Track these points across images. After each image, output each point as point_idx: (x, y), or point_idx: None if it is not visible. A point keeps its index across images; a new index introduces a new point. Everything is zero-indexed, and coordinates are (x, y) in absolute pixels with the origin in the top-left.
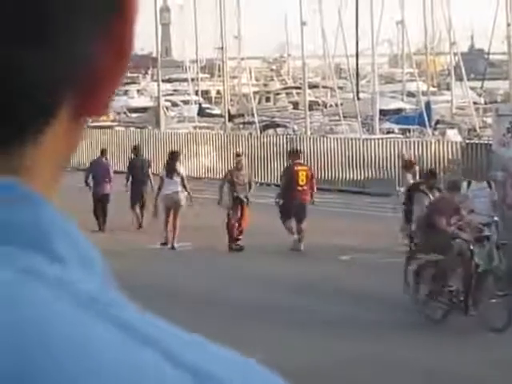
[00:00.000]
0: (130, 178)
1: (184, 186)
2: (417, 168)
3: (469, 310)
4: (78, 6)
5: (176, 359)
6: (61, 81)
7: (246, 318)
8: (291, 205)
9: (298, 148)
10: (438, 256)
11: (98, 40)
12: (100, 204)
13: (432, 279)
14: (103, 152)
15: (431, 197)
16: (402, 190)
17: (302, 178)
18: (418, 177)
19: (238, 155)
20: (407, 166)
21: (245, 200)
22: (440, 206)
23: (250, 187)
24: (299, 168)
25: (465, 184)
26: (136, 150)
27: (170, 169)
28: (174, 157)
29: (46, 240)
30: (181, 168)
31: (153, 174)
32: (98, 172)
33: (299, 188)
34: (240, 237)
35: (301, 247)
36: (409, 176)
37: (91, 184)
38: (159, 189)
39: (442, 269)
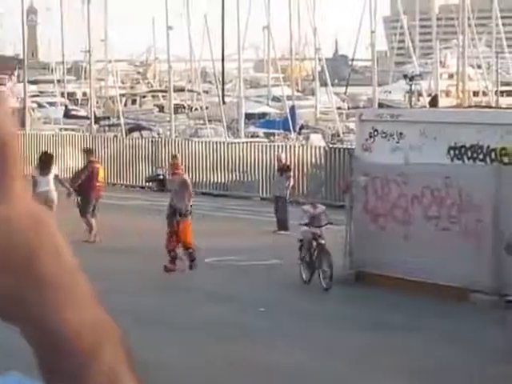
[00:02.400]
0: None
1: (61, 183)
2: (291, 173)
3: None
4: None
5: None
6: None
7: None
8: (91, 200)
9: (90, 147)
10: None
11: None
12: None
13: None
14: None
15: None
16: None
17: (101, 175)
18: (292, 181)
19: (172, 157)
20: (283, 169)
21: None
22: None
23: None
24: (96, 165)
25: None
26: None
27: (44, 168)
28: (47, 157)
29: None
30: (55, 167)
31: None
32: None
33: (98, 184)
34: (188, 251)
35: (91, 238)
36: (283, 179)
37: None
38: (33, 188)
39: None
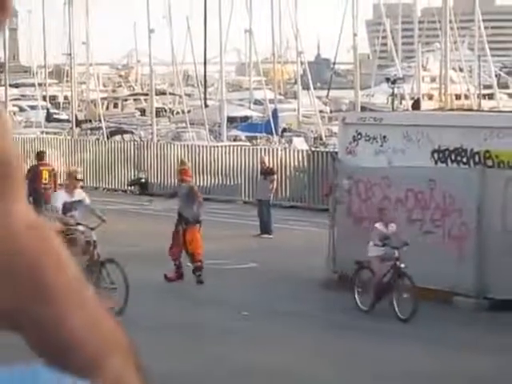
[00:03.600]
0: None
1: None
2: (275, 176)
3: None
4: None
5: None
6: None
7: None
8: (39, 202)
9: (43, 150)
10: None
11: None
12: None
13: None
14: None
15: None
16: None
17: (45, 177)
18: (275, 184)
19: (180, 163)
20: (266, 172)
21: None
22: None
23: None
24: (41, 168)
25: None
26: None
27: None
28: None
29: None
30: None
31: None
32: None
33: (43, 186)
34: (195, 264)
35: None
36: (266, 183)
37: None
38: None
39: None
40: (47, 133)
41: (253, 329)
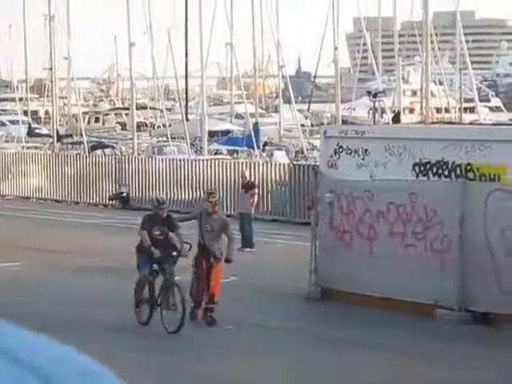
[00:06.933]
0: None
1: None
2: (256, 190)
3: None
4: None
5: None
6: None
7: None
8: None
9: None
10: None
11: None
12: None
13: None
14: None
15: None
16: None
17: None
18: (256, 198)
19: (210, 193)
20: (247, 186)
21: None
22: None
23: (229, 242)
24: None
25: None
26: None
27: None
28: None
29: None
30: None
31: None
32: None
33: None
34: (211, 305)
35: None
36: (247, 196)
37: None
38: None
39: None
40: (28, 147)
41: (233, 341)
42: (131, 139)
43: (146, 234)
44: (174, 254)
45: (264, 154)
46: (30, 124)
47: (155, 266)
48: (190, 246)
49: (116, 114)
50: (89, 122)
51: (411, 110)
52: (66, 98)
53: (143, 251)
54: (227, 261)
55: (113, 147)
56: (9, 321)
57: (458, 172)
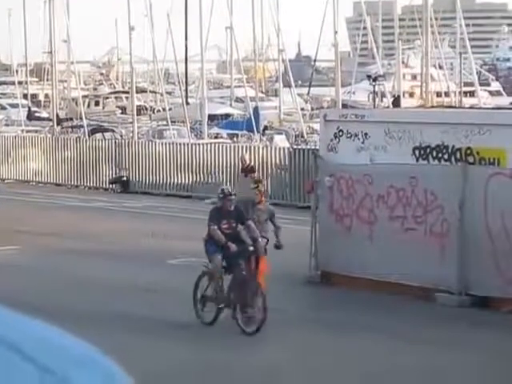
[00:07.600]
0: None
1: None
2: (255, 174)
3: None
4: None
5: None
6: None
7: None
8: None
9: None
10: None
11: None
12: None
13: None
14: None
15: None
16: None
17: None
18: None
19: (258, 181)
20: (247, 170)
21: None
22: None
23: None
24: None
25: None
26: None
27: None
28: None
29: None
30: None
31: None
32: None
33: None
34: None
35: None
36: (247, 180)
37: None
38: None
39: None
40: (28, 131)
41: (233, 325)
42: (131, 123)
43: (219, 231)
44: (251, 248)
45: (264, 138)
46: (29, 108)
47: (224, 263)
48: (267, 241)
49: (116, 98)
50: (89, 106)
51: (411, 94)
52: (65, 81)
53: (214, 242)
54: (278, 247)
55: (113, 131)
56: (6, 306)
57: (458, 156)
